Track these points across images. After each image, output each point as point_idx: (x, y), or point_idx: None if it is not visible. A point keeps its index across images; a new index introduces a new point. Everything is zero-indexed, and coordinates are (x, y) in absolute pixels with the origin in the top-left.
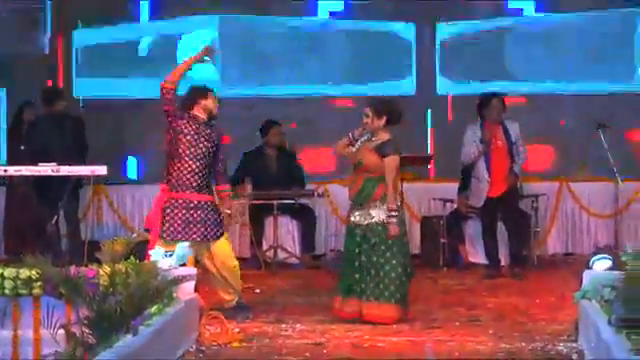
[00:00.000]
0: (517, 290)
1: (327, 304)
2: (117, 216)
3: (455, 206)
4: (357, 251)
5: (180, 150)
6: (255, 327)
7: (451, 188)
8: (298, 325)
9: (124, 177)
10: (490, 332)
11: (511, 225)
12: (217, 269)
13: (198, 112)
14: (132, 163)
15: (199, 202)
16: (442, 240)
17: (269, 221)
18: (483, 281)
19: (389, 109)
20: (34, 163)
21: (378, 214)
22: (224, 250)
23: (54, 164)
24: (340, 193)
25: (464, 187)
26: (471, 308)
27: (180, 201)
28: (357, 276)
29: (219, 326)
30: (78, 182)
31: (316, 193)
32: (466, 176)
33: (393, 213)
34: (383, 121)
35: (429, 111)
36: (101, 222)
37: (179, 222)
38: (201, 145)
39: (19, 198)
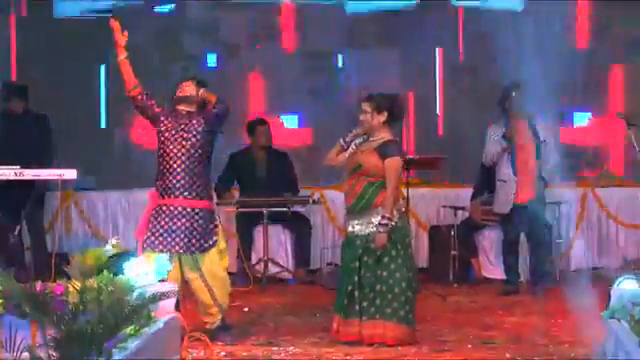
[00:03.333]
0: (537, 309)
1: (323, 324)
2: (88, 225)
3: (467, 214)
4: (357, 265)
5: (161, 150)
6: (244, 350)
7: (463, 194)
8: (291, 348)
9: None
10: (507, 356)
11: (534, 238)
12: (204, 281)
13: (177, 106)
14: None
15: (184, 209)
16: (453, 252)
17: (258, 231)
18: (499, 298)
19: (391, 104)
20: None
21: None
22: (213, 259)
23: (17, 167)
24: (338, 200)
25: (479, 192)
26: (485, 329)
27: (164, 208)
28: (357, 293)
29: (203, 349)
30: (43, 188)
31: (311, 200)
32: (483, 180)
33: (385, 222)
34: (384, 117)
35: None
36: (70, 232)
37: (161, 231)
38: (180, 140)
39: None
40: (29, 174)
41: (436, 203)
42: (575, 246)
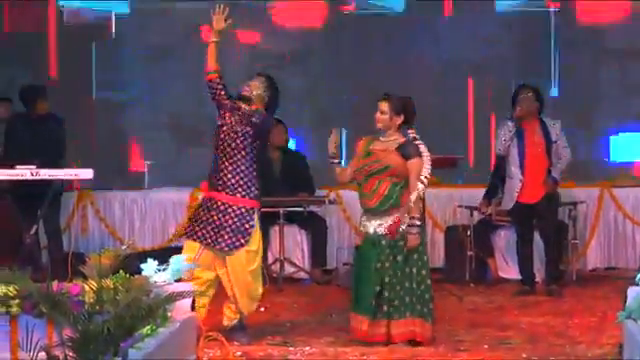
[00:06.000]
0: (553, 309)
1: (339, 324)
2: (104, 225)
3: (482, 214)
4: (387, 265)
5: (216, 144)
6: (260, 350)
7: (479, 194)
8: (307, 348)
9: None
10: (523, 356)
11: (548, 237)
12: (229, 280)
13: (239, 102)
14: None
15: (224, 204)
16: (469, 252)
17: (275, 231)
18: (515, 298)
19: (407, 107)
20: (11, 166)
21: (405, 223)
22: (239, 260)
23: (34, 167)
24: (354, 200)
25: (492, 191)
26: (502, 329)
27: (207, 200)
28: (387, 293)
29: (219, 349)
30: (60, 188)
31: (327, 200)
32: (496, 178)
33: (417, 222)
34: (400, 120)
35: None
36: (86, 232)
37: (199, 222)
38: (232, 138)
39: None
40: (45, 174)
41: (452, 203)
42: (591, 246)
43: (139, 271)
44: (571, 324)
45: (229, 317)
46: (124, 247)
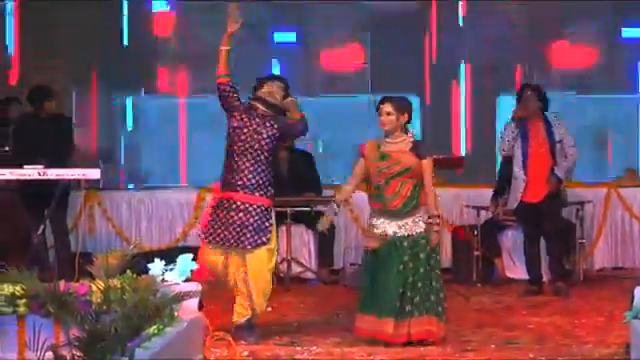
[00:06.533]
0: (561, 309)
1: (346, 324)
2: (111, 225)
3: (490, 214)
4: (410, 265)
5: (230, 146)
6: (267, 350)
7: (486, 194)
8: (314, 348)
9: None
10: (530, 356)
11: (550, 236)
12: (246, 278)
13: (256, 103)
14: None
15: (243, 203)
16: (476, 252)
17: (282, 231)
18: (522, 298)
19: (409, 105)
20: (19, 166)
21: (422, 223)
22: (261, 257)
23: (41, 167)
24: (362, 199)
25: (500, 191)
26: (509, 329)
27: (224, 201)
28: (410, 293)
29: (226, 349)
30: (67, 187)
31: (334, 202)
32: (502, 178)
33: (437, 220)
34: (405, 119)
35: None
36: (94, 232)
37: (219, 224)
38: (250, 140)
39: (2, 205)
40: (52, 173)
41: (459, 203)
42: (598, 246)
43: (146, 271)
44: (578, 324)
45: (240, 313)
46: (131, 247)
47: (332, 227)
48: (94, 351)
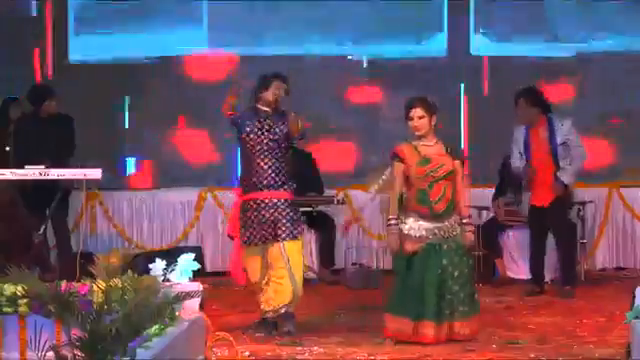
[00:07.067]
0: (562, 309)
1: (348, 324)
2: (113, 225)
3: (492, 214)
4: (450, 268)
5: (246, 150)
6: (268, 350)
7: (487, 194)
8: (316, 348)
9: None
10: (531, 356)
11: (560, 241)
12: (289, 270)
13: (261, 105)
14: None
15: (271, 200)
16: (477, 253)
17: None
18: (523, 299)
19: (435, 105)
20: (20, 166)
21: (457, 225)
22: (298, 249)
23: (42, 167)
24: (363, 199)
25: (500, 192)
26: (510, 329)
27: (251, 202)
28: (448, 297)
29: (227, 349)
30: (68, 187)
31: (336, 200)
32: (504, 179)
33: (471, 220)
34: (434, 120)
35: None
36: (95, 232)
37: (254, 225)
38: (267, 141)
39: (3, 205)
40: (54, 173)
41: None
42: (600, 246)
43: (147, 271)
44: (579, 324)
45: (276, 306)
46: (132, 247)
47: (333, 227)
48: (95, 351)
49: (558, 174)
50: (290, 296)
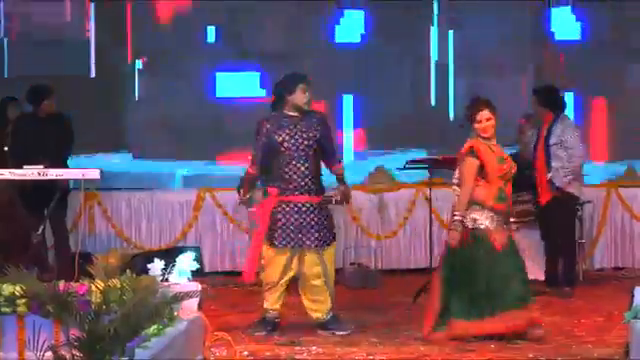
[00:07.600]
0: (560, 309)
1: (347, 323)
2: (111, 226)
3: None
4: (491, 263)
5: (282, 156)
6: (267, 350)
7: None
8: (314, 347)
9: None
10: (530, 356)
11: (551, 240)
12: (325, 275)
13: (288, 110)
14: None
15: (311, 204)
16: None
17: None
18: None
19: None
20: (19, 166)
21: None
22: (333, 253)
23: (41, 167)
24: (361, 200)
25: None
26: None
27: (291, 205)
28: (488, 291)
29: (226, 349)
30: (66, 187)
31: (334, 200)
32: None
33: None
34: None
35: None
36: (93, 232)
37: (292, 228)
38: (301, 142)
39: (1, 205)
40: (52, 173)
41: None
42: (598, 246)
43: (146, 271)
44: (578, 324)
45: (322, 313)
46: (131, 247)
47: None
48: (93, 351)
49: (549, 175)
50: (329, 303)
